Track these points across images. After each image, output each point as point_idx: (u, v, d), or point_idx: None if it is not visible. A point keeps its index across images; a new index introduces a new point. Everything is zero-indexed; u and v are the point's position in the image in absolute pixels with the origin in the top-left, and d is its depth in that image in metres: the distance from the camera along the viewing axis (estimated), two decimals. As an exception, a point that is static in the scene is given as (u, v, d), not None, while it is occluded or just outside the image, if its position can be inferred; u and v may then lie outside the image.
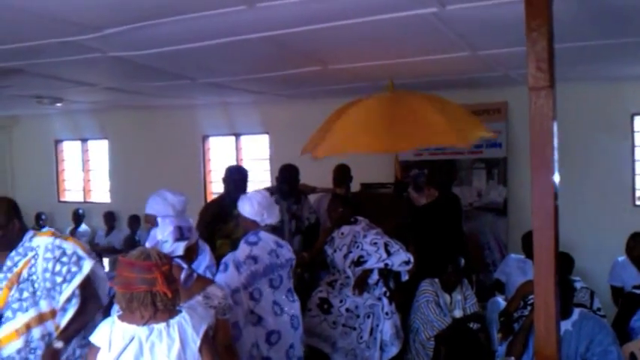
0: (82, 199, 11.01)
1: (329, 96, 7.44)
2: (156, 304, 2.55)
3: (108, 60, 5.06)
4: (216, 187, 9.65)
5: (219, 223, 5.20)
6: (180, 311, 2.64)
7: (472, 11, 3.74)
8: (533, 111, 2.62)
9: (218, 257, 4.18)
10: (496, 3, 3.56)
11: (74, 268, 3.30)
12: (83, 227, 9.98)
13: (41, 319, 3.30)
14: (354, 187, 6.59)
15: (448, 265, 5.28)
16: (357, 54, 5.23)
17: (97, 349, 2.59)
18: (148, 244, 3.10)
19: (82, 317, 3.37)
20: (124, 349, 2.53)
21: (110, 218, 9.90)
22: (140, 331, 2.55)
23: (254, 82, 6.71)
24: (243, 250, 3.90)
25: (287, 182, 5.84)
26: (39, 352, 3.28)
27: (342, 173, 6.17)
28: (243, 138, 9.62)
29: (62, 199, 11.23)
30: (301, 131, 6.09)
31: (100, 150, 10.89)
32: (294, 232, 5.90)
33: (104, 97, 8.10)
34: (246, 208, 4.02)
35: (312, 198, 6.27)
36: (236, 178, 5.48)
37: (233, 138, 9.60)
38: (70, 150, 11.29)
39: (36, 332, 3.29)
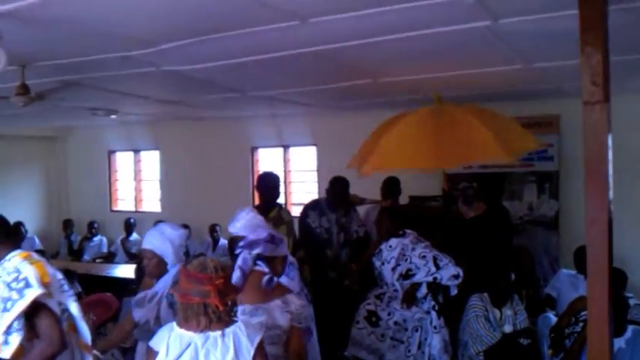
0: (133, 209, 11.26)
1: (377, 108, 7.46)
2: (209, 314, 2.68)
3: (161, 74, 5.18)
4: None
5: None
6: (236, 321, 2.77)
7: (525, 24, 3.71)
8: (588, 126, 2.57)
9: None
10: (549, 16, 3.52)
11: (15, 296, 2.79)
12: (134, 236, 10.18)
13: None
14: (403, 199, 6.58)
15: (498, 280, 5.22)
16: (407, 67, 5.24)
17: (155, 354, 2.74)
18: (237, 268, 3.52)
19: (35, 354, 2.85)
20: (181, 354, 2.68)
21: None
22: (196, 338, 2.69)
23: (304, 94, 6.78)
24: None
25: (337, 194, 5.88)
26: None
27: (391, 186, 6.18)
28: (291, 149, 9.71)
29: (114, 208, 11.50)
30: (349, 143, 6.12)
31: (151, 160, 11.14)
32: (342, 244, 5.94)
33: (156, 109, 8.28)
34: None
35: (361, 210, 6.29)
36: (268, 184, 5.57)
37: (281, 149, 9.69)
38: (123, 160, 11.58)
39: None
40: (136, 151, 11.29)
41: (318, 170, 9.22)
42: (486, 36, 3.99)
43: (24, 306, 2.76)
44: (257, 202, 9.70)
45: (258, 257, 3.67)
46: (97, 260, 9.90)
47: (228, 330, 2.72)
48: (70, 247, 10.54)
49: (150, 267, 3.73)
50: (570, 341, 4.16)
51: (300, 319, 3.32)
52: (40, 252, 5.24)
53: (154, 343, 2.78)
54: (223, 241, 8.88)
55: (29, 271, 2.85)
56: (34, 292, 2.79)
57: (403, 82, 5.83)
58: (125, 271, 7.84)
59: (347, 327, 5.11)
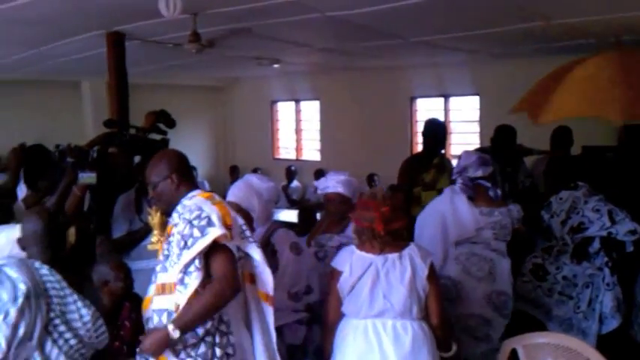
0: (294, 157, 11.61)
1: (546, 55, 7.00)
2: (377, 238, 3.02)
3: (325, 20, 5.20)
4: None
5: (419, 173, 5.29)
6: (409, 244, 3.10)
7: None
8: None
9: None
10: None
11: (197, 233, 2.63)
12: (295, 183, 10.50)
13: (163, 289, 2.75)
14: (575, 150, 6.18)
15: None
16: (586, 5, 4.83)
17: (339, 273, 3.10)
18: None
19: (201, 301, 2.61)
20: (363, 274, 3.02)
21: (320, 175, 10.25)
22: (376, 259, 3.05)
23: (468, 39, 6.51)
24: None
25: (503, 144, 5.66)
26: (150, 325, 2.76)
27: (563, 136, 5.80)
28: (452, 99, 9.44)
29: (276, 156, 11.93)
30: (514, 92, 5.80)
31: (311, 110, 11.35)
32: (507, 195, 5.72)
33: (318, 58, 8.38)
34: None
35: (528, 161, 6.02)
36: (435, 131, 5.52)
37: (441, 99, 9.46)
38: (285, 110, 11.91)
39: (156, 302, 2.76)
40: (297, 101, 11.57)
41: (480, 121, 8.90)
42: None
43: (205, 244, 2.60)
44: (413, 151, 9.65)
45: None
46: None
47: (405, 252, 3.06)
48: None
49: None
50: None
51: None
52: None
53: (336, 264, 3.13)
54: (381, 191, 8.89)
55: (212, 211, 2.68)
56: (217, 231, 2.61)
57: (577, 24, 5.39)
58: (287, 215, 8.10)
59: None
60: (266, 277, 2.81)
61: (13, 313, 2.30)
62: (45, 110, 9.44)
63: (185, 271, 2.63)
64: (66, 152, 3.94)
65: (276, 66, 8.70)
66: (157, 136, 4.64)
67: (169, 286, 2.70)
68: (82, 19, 5.25)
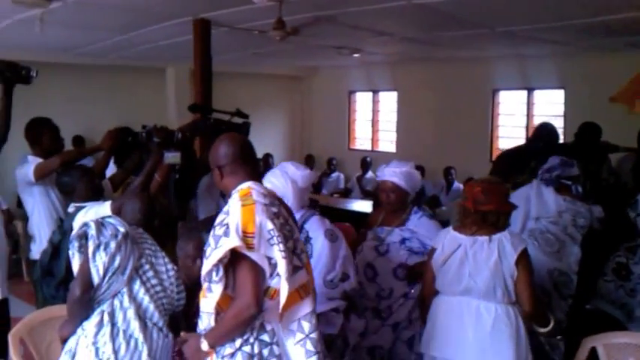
0: (369, 148, 11.59)
1: (638, 49, 6.73)
2: (468, 217, 3.26)
3: (411, 8, 5.17)
4: (504, 143, 9.43)
5: (514, 171, 5.13)
6: (503, 231, 3.21)
7: None
8: None
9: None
10: None
11: (213, 244, 2.43)
12: (370, 174, 10.48)
13: (205, 291, 2.54)
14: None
15: None
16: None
17: (434, 250, 3.37)
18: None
19: (225, 320, 2.45)
20: (453, 252, 3.25)
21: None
22: (466, 240, 3.24)
23: (556, 30, 6.31)
24: None
25: (586, 141, 5.51)
26: (200, 326, 2.59)
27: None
28: (535, 93, 9.20)
29: (352, 146, 11.95)
30: (602, 87, 5.65)
31: (389, 101, 11.30)
32: (588, 192, 5.55)
33: (398, 48, 8.33)
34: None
35: (614, 158, 5.82)
36: (552, 137, 5.48)
37: (524, 92, 9.23)
38: (362, 101, 11.90)
39: (203, 304, 2.56)
40: (375, 92, 11.53)
41: (564, 115, 8.63)
42: None
43: (218, 256, 2.38)
44: (494, 145, 9.47)
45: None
46: (334, 195, 10.38)
47: (495, 237, 3.18)
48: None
49: None
50: None
51: None
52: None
53: (434, 242, 3.42)
54: (457, 185, 8.77)
55: (234, 216, 2.43)
56: (230, 242, 2.37)
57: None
58: (361, 206, 8.10)
59: (592, 279, 4.80)
60: (282, 291, 2.45)
61: (113, 244, 2.66)
62: (131, 95, 9.77)
63: (209, 280, 2.46)
64: (152, 132, 4.07)
65: (356, 55, 8.70)
66: (239, 120, 4.73)
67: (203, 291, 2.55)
68: (171, 6, 5.42)
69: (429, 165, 9.17)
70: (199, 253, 3.33)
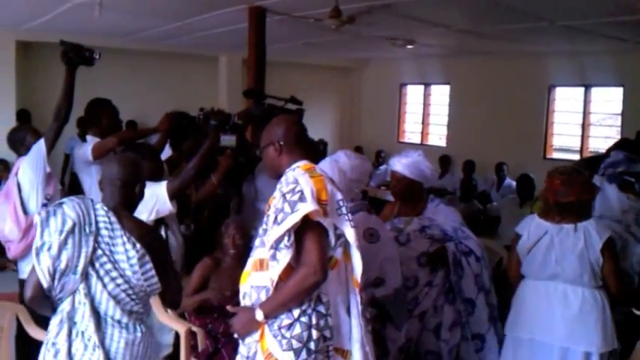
0: (419, 141, 11.48)
1: None
2: (550, 208, 3.33)
3: (471, -1, 5.09)
4: (559, 140, 9.22)
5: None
6: (588, 218, 3.32)
7: None
8: None
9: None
10: None
11: (287, 209, 2.44)
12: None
13: (260, 265, 2.59)
14: None
15: None
16: None
17: (519, 237, 3.46)
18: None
19: (286, 289, 2.44)
20: (539, 239, 3.33)
21: (445, 162, 10.12)
22: (552, 228, 3.32)
23: (617, 26, 6.13)
24: None
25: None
26: (247, 302, 2.62)
27: None
28: (593, 90, 8.96)
29: (401, 139, 11.86)
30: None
31: (441, 95, 11.16)
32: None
33: (453, 40, 8.21)
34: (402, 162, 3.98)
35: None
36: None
37: (582, 89, 9.00)
38: (413, 93, 11.79)
39: (254, 279, 2.60)
40: (427, 85, 11.42)
41: (622, 114, 8.39)
42: None
43: (294, 221, 2.39)
44: (548, 143, 9.26)
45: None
46: (382, 187, 10.30)
47: (580, 225, 3.27)
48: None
49: None
50: None
51: None
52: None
53: (518, 228, 3.50)
54: (509, 181, 8.61)
55: (307, 184, 2.46)
56: (307, 207, 2.40)
57: None
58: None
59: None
60: (355, 260, 2.56)
61: (55, 245, 2.39)
62: (183, 82, 9.90)
63: (276, 247, 2.46)
64: (209, 115, 4.09)
65: (409, 47, 8.60)
66: (293, 107, 4.72)
67: (266, 262, 2.53)
68: (227, -7, 5.44)
69: (480, 160, 9.02)
70: (236, 235, 3.70)
